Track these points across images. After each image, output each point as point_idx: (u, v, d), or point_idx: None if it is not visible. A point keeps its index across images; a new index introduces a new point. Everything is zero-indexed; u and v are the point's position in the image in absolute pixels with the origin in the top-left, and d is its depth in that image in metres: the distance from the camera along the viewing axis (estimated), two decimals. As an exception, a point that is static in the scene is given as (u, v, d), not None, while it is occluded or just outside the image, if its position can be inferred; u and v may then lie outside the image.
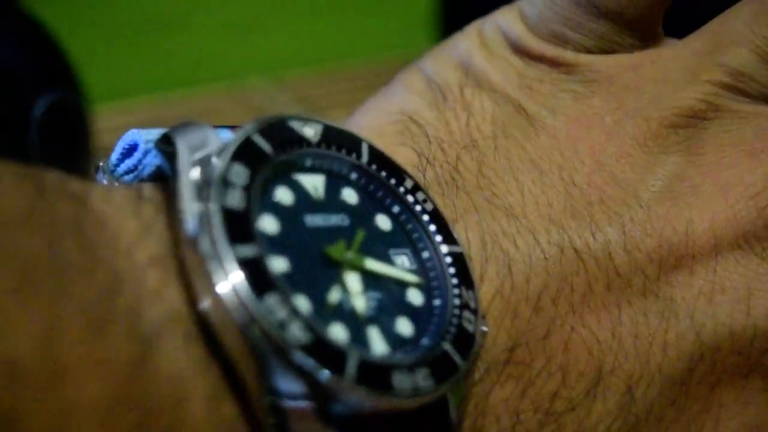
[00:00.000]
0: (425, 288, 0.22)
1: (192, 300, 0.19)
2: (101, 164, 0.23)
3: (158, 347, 0.18)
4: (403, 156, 0.25)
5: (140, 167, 0.22)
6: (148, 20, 0.53)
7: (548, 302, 0.24)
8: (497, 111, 0.26)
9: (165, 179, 0.21)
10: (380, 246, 0.22)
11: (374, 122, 0.27)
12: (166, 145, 0.21)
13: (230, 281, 0.19)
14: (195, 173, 0.20)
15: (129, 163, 0.23)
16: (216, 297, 0.19)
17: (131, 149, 0.23)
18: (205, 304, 0.19)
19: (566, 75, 0.27)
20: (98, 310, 0.18)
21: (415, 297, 0.22)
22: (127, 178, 0.23)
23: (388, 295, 0.21)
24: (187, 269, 0.19)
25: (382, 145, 0.24)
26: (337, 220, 0.22)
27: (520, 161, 0.25)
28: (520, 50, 0.27)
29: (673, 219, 0.25)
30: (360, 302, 0.21)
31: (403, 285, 0.22)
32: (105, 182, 0.23)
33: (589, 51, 0.27)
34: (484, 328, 0.23)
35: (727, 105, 0.26)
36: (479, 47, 0.28)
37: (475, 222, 0.24)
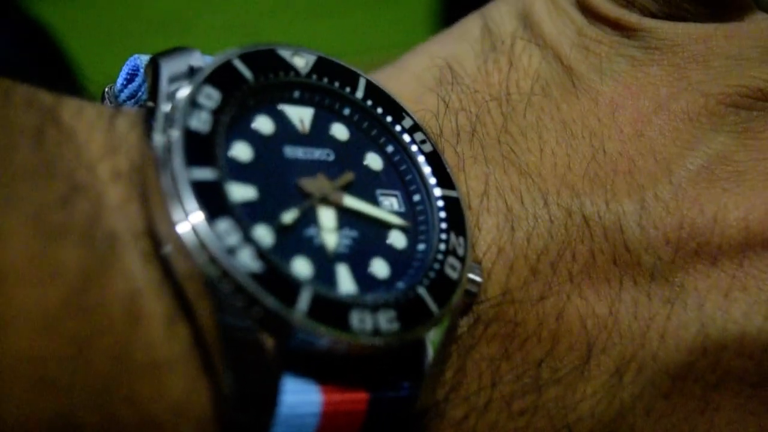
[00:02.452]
0: (410, 231, 0.21)
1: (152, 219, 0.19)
2: (107, 90, 0.23)
3: (114, 263, 0.18)
4: (426, 101, 0.24)
5: (140, 92, 0.22)
6: (148, 20, 0.53)
7: (547, 265, 0.22)
8: (543, 67, 0.25)
9: None
10: (367, 185, 0.21)
11: (417, 64, 0.26)
12: (153, 70, 0.21)
13: (183, 206, 0.18)
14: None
15: (131, 87, 0.23)
16: (168, 220, 0.18)
17: (134, 74, 0.23)
18: (160, 228, 0.18)
19: (627, 39, 0.25)
20: (50, 218, 0.18)
21: (397, 239, 0.21)
22: (129, 103, 0.23)
23: (367, 235, 0.21)
24: (145, 193, 0.19)
25: (412, 88, 0.23)
26: (321, 154, 0.21)
27: (551, 121, 0.24)
28: (584, 7, 0.25)
29: (704, 201, 0.23)
30: (331, 238, 0.20)
31: (385, 226, 0.21)
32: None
33: (655, 16, 0.25)
34: (477, 278, 0.22)
35: None
36: None
37: (482, 172, 0.23)
